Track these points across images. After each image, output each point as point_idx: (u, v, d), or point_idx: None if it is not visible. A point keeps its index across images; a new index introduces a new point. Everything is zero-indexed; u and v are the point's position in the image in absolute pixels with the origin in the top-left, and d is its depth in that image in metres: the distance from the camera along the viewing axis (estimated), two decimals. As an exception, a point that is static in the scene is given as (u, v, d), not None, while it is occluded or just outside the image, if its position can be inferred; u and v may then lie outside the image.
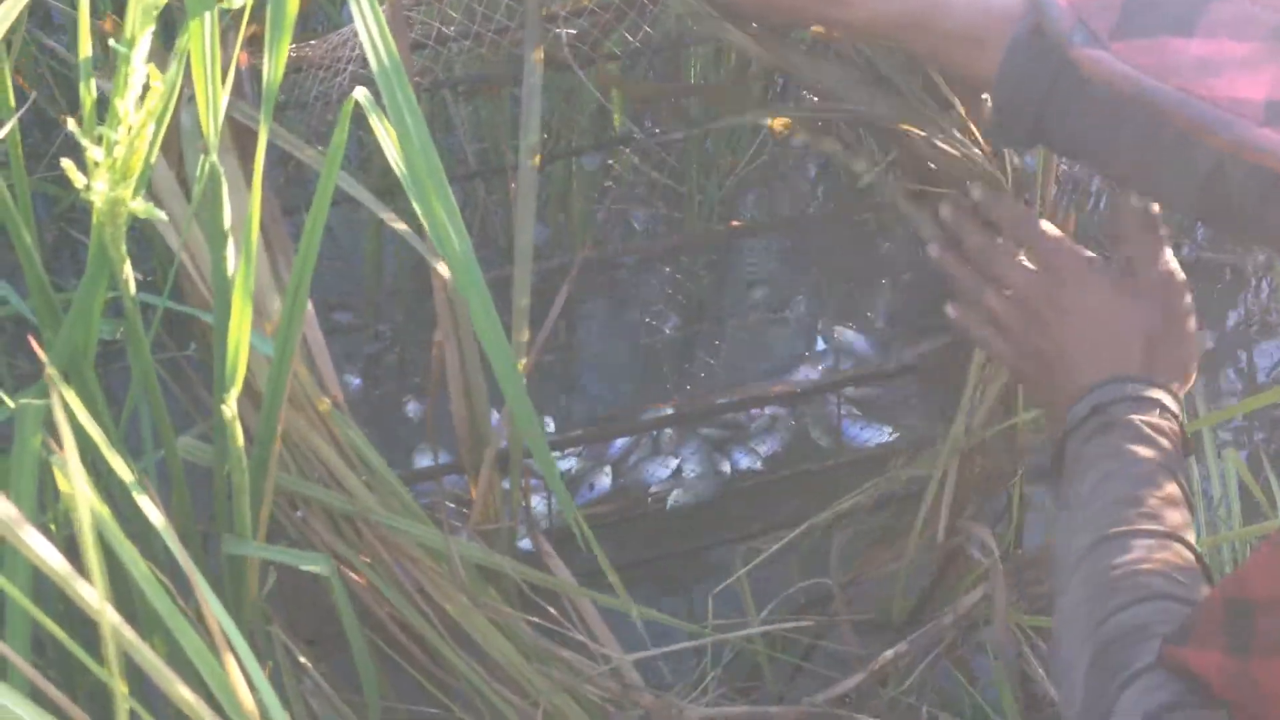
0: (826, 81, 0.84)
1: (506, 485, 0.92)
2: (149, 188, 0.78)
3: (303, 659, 0.80)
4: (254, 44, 0.82)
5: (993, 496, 1.04)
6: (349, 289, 1.38)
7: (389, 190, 0.94)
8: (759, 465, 1.25)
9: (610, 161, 1.44)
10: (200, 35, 0.58)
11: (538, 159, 0.81)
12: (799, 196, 1.57)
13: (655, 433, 1.27)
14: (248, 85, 0.83)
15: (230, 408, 0.64)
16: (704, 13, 0.82)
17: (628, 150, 1.43)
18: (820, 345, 1.40)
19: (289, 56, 0.87)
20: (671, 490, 1.22)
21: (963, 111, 0.85)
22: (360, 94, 0.63)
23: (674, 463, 1.25)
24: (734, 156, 1.46)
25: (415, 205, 0.61)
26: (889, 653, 0.95)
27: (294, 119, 0.92)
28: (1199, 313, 0.81)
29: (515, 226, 0.81)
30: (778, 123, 0.90)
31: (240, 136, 0.82)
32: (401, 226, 0.76)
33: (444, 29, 0.87)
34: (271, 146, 0.83)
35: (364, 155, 1.38)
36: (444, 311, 0.81)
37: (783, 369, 1.38)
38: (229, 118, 0.81)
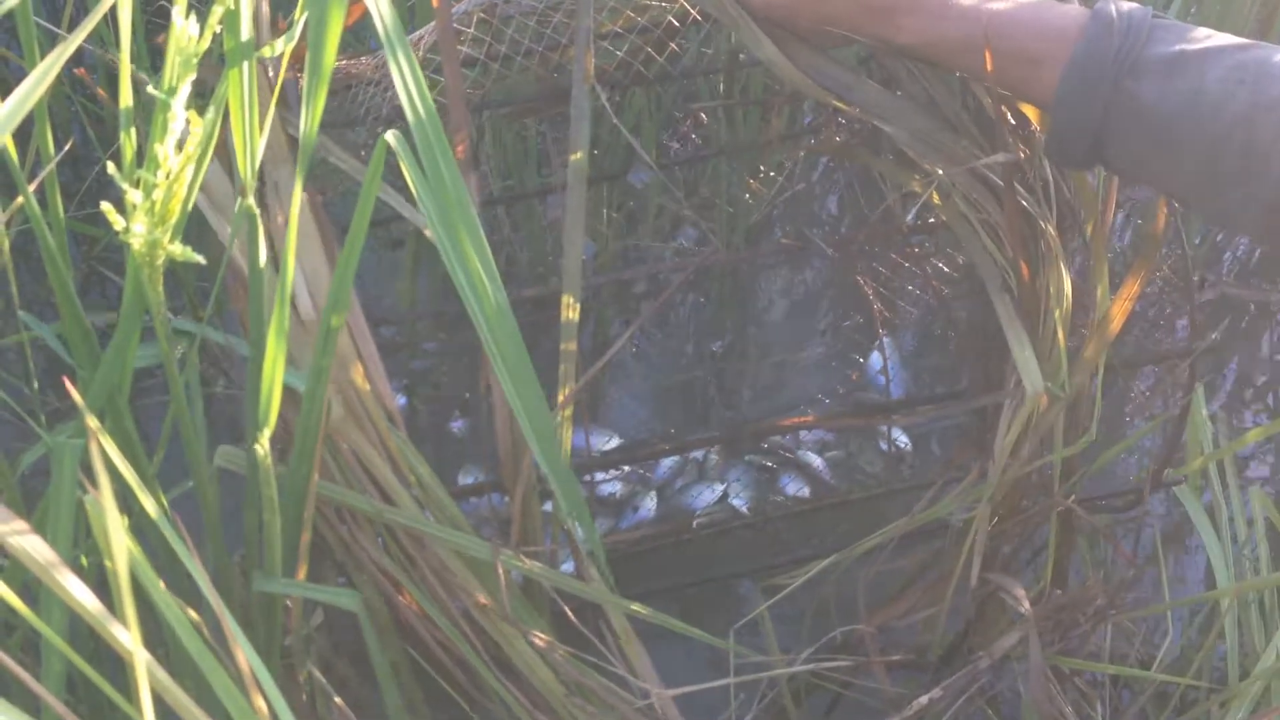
0: (868, 103, 0.83)
1: (548, 508, 0.92)
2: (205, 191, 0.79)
3: (337, 699, 0.80)
4: (302, 61, 0.83)
5: (1028, 538, 1.04)
6: (392, 303, 1.39)
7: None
8: (806, 491, 1.24)
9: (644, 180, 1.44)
10: (238, 84, 0.58)
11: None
12: (830, 220, 1.57)
13: (701, 457, 1.26)
14: (295, 101, 0.84)
15: (263, 446, 0.65)
16: (744, 26, 0.81)
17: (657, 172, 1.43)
18: (873, 369, 1.38)
19: (338, 74, 0.88)
20: (716, 515, 1.21)
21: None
22: (391, 137, 0.63)
23: (720, 488, 1.24)
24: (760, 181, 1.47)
25: (447, 259, 0.61)
26: (924, 698, 0.94)
27: (345, 135, 0.93)
28: (1225, 346, 0.80)
29: (565, 250, 0.80)
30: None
31: (294, 147, 0.83)
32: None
33: (496, 45, 0.86)
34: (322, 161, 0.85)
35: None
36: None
37: (822, 396, 1.37)
38: (284, 131, 0.82)
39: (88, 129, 1.23)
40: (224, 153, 0.83)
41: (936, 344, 1.42)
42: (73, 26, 1.12)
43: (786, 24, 0.80)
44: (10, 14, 0.61)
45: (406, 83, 0.60)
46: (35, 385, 0.75)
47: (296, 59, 0.84)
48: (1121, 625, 1.09)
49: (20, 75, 0.95)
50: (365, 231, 0.64)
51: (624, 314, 1.46)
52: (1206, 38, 0.71)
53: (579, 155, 0.80)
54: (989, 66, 0.74)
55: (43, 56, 0.61)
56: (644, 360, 1.43)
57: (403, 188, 0.82)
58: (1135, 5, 0.73)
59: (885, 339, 1.34)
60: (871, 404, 1.31)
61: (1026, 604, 0.93)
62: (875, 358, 1.37)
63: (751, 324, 1.47)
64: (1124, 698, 1.10)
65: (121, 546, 0.42)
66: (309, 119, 0.59)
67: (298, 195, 0.61)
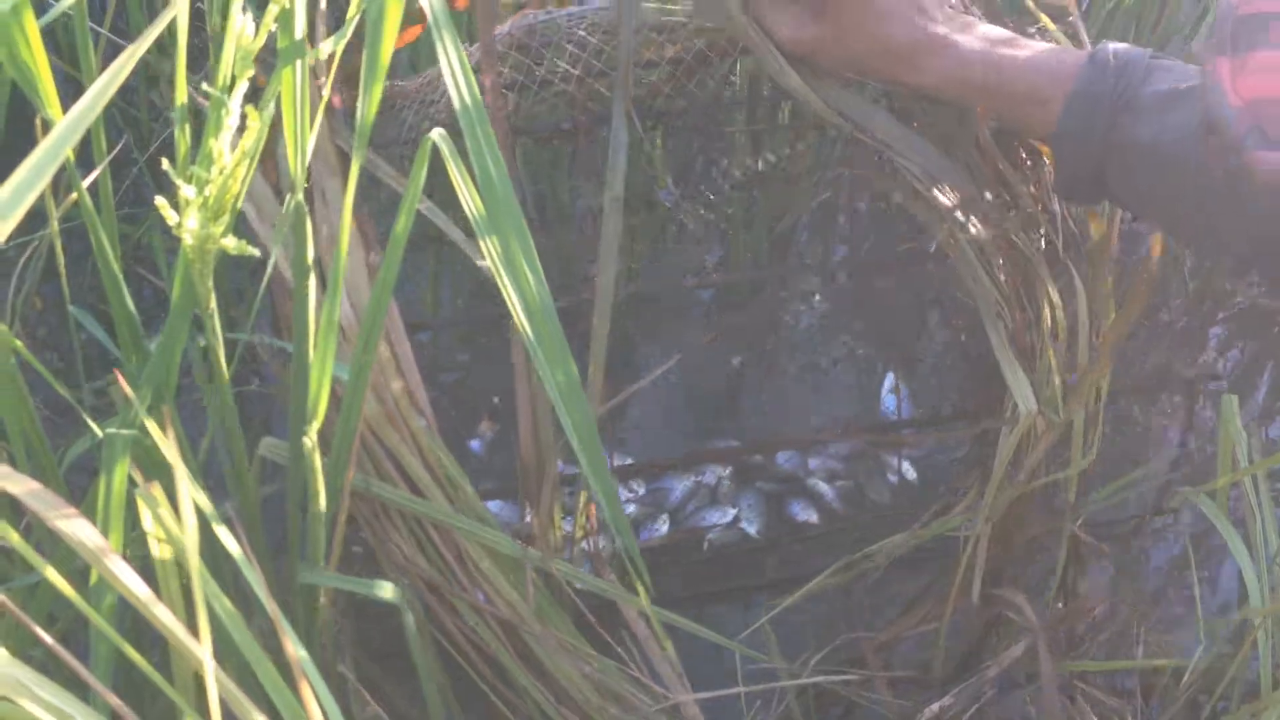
0: (886, 135, 0.86)
1: (567, 527, 0.94)
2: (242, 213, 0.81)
3: (365, 694, 0.81)
4: (350, 81, 0.85)
5: (1035, 559, 1.05)
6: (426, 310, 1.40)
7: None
8: (815, 518, 1.26)
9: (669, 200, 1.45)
10: (291, 82, 0.59)
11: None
12: (850, 244, 1.58)
13: (714, 482, 1.28)
14: (342, 120, 0.85)
15: (310, 439, 0.66)
16: (770, 57, 0.84)
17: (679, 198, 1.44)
18: (884, 392, 1.40)
19: (386, 94, 0.89)
20: (727, 537, 1.23)
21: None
22: (437, 135, 0.64)
23: (732, 512, 1.26)
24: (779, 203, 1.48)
25: (492, 254, 0.61)
26: (934, 706, 0.95)
27: (391, 152, 0.94)
28: (1257, 357, 0.81)
29: (600, 273, 0.82)
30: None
31: (344, 161, 0.85)
32: (482, 262, 0.78)
33: (535, 67, 0.87)
34: (370, 176, 0.86)
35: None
36: (518, 348, 0.82)
37: (835, 419, 1.38)
38: (331, 143, 0.83)
39: (124, 130, 1.25)
40: (269, 162, 0.85)
41: (949, 370, 1.43)
42: (114, 26, 1.14)
43: (809, 61, 0.83)
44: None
45: (454, 73, 0.61)
46: (83, 380, 0.76)
47: (344, 79, 0.86)
48: (1152, 637, 1.09)
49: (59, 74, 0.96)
50: (405, 243, 0.65)
51: (645, 328, 1.47)
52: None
53: (617, 186, 0.82)
54: (1001, 106, 0.78)
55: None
56: (662, 381, 1.44)
57: (437, 199, 0.83)
58: (1132, 47, 0.76)
59: (897, 364, 1.36)
60: (880, 425, 1.33)
61: (1031, 614, 0.94)
62: (888, 381, 1.39)
63: (769, 343, 1.47)
64: (1154, 710, 1.10)
65: (192, 539, 0.43)
66: (365, 109, 0.59)
67: (349, 200, 0.62)
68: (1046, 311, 0.91)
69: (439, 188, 0.86)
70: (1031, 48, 0.78)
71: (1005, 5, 0.91)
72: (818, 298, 1.50)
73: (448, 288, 1.40)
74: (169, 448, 0.50)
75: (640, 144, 1.02)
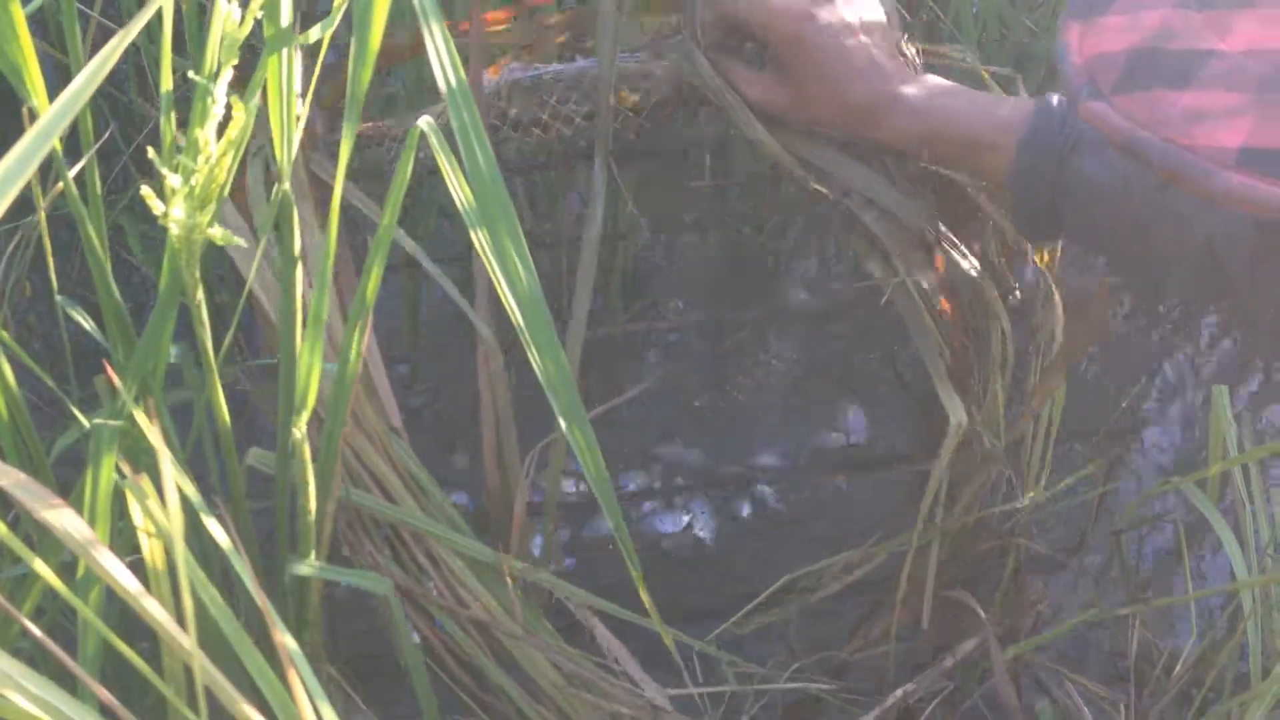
0: (854, 183, 0.91)
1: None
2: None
3: (352, 693, 0.81)
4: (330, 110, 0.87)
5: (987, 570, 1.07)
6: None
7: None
8: (764, 527, 1.27)
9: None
10: (277, 70, 0.59)
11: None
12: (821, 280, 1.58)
13: (670, 487, 1.31)
14: (323, 141, 0.87)
15: (300, 429, 0.65)
16: (738, 111, 0.89)
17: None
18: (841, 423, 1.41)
19: (367, 132, 0.91)
20: (678, 543, 1.25)
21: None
22: (424, 123, 0.64)
23: (685, 518, 1.28)
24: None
25: (481, 244, 0.61)
26: (898, 691, 0.96)
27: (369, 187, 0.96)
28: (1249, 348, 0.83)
29: (573, 313, 0.85)
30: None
31: (317, 185, 0.86)
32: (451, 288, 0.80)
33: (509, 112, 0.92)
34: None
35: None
36: (484, 368, 0.86)
37: (795, 442, 1.39)
38: (305, 169, 0.84)
39: (110, 118, 1.24)
40: (240, 196, 0.86)
41: (902, 403, 1.43)
42: (104, 10, 1.13)
43: (776, 121, 0.89)
44: None
45: (442, 61, 0.61)
46: (71, 371, 0.75)
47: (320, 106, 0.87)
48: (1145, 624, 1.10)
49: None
50: (381, 272, 0.65)
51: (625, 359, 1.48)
52: None
53: (595, 229, 0.88)
54: (956, 154, 0.84)
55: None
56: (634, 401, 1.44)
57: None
58: None
59: (853, 396, 1.38)
60: (831, 454, 1.35)
61: (979, 609, 0.99)
62: (844, 412, 1.40)
63: (734, 375, 1.47)
64: (1146, 701, 1.10)
65: (178, 529, 0.43)
66: (354, 89, 0.59)
67: (335, 211, 0.61)
68: (996, 342, 0.96)
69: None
70: (982, 98, 0.84)
71: (959, 76, 0.95)
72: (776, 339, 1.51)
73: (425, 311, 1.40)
74: (154, 433, 0.50)
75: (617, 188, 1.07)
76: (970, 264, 0.92)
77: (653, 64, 0.91)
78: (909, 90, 0.83)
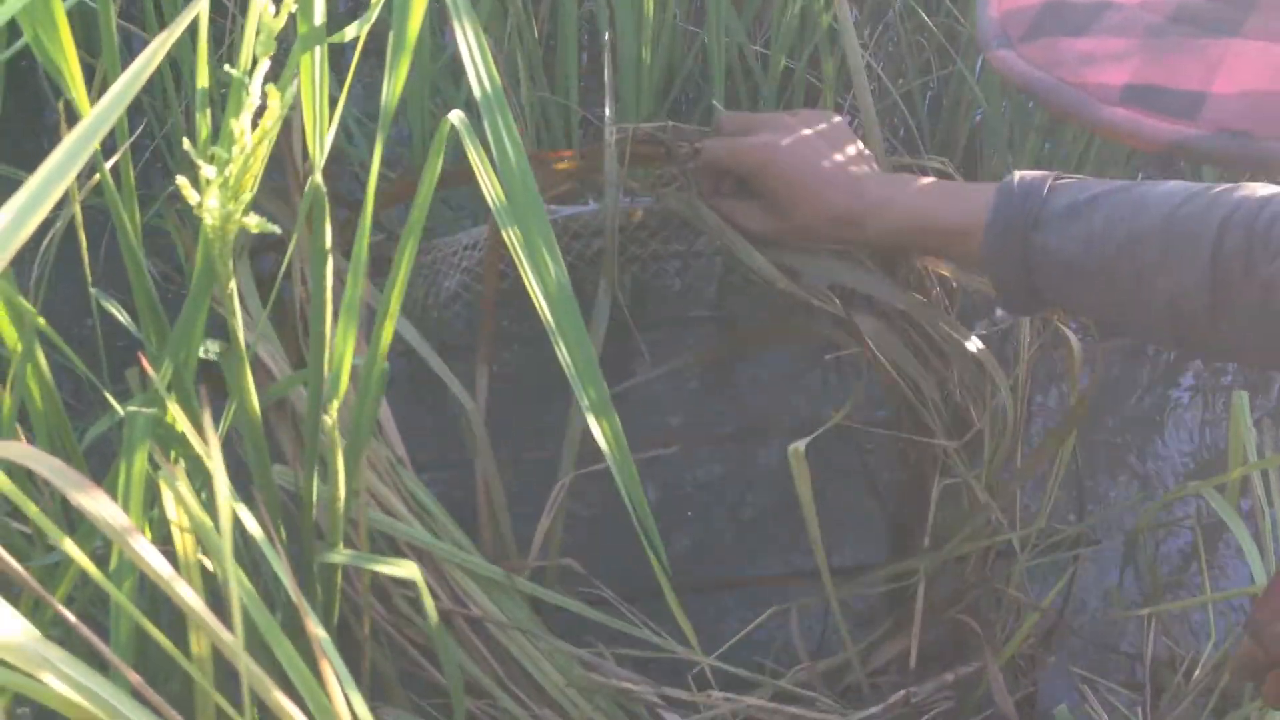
0: (838, 279, 0.99)
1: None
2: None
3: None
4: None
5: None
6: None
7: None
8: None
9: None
10: (310, 65, 0.60)
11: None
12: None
13: None
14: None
15: (331, 416, 0.66)
16: (739, 244, 0.97)
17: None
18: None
19: (421, 250, 0.96)
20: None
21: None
22: (455, 117, 0.64)
23: None
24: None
25: (511, 238, 0.62)
26: (901, 692, 0.96)
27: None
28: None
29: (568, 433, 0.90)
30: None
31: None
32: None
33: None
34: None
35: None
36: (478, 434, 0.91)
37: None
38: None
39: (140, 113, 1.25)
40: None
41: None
42: (124, 12, 1.14)
43: (773, 245, 0.97)
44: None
45: (474, 59, 0.61)
46: (104, 364, 0.76)
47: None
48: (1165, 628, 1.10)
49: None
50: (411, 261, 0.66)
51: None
52: (1099, 186, 0.83)
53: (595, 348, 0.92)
54: (932, 244, 0.90)
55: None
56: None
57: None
58: (1037, 173, 0.86)
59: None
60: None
61: (980, 629, 1.00)
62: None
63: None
64: (1164, 707, 1.10)
65: (227, 515, 0.43)
66: (390, 88, 0.60)
67: (369, 196, 0.62)
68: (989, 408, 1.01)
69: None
70: (953, 188, 0.90)
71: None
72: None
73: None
74: (204, 417, 0.50)
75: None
76: (975, 344, 0.99)
77: (656, 207, 1.01)
78: (885, 191, 0.90)
